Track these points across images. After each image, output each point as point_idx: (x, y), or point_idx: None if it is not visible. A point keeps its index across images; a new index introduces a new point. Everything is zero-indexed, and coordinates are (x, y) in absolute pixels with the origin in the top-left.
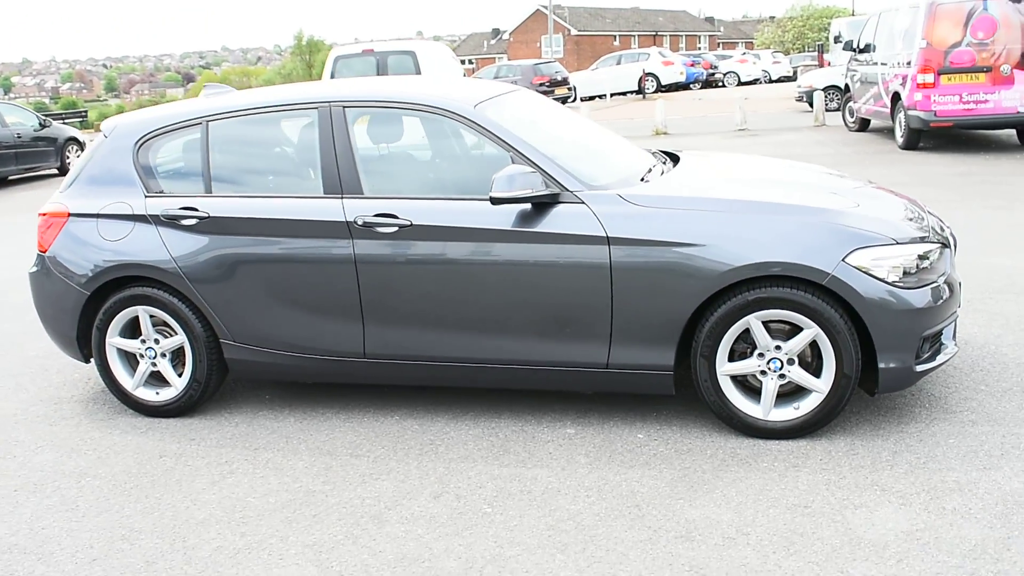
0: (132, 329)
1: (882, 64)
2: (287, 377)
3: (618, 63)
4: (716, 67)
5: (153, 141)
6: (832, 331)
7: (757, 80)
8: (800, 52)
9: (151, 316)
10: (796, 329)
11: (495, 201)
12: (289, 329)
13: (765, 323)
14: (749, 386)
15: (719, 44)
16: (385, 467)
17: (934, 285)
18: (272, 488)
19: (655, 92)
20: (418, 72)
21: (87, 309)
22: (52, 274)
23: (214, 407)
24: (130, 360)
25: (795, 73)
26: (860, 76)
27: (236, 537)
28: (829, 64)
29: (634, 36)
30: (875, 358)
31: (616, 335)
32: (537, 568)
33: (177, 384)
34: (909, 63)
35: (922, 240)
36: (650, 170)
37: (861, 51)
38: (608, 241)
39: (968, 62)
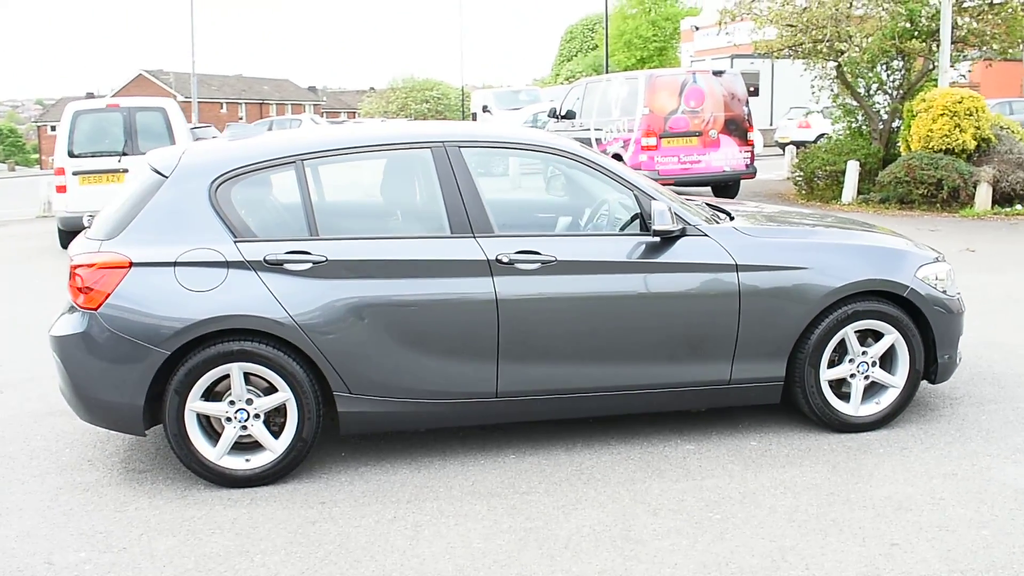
0: (208, 391)
1: (596, 129)
2: (405, 426)
3: (270, 128)
4: None
5: (234, 182)
6: (908, 335)
7: None
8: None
9: (245, 373)
10: (876, 336)
11: (658, 234)
12: (415, 374)
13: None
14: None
15: (323, 113)
16: (585, 495)
17: (960, 295)
18: (502, 528)
19: None
20: (169, 130)
21: (161, 372)
22: (110, 334)
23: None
24: (205, 426)
25: None
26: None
27: None
28: None
29: (241, 104)
30: (934, 355)
31: (739, 353)
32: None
33: (275, 447)
34: (631, 129)
35: (944, 259)
36: (715, 213)
37: (563, 117)
38: (736, 268)
39: (683, 127)
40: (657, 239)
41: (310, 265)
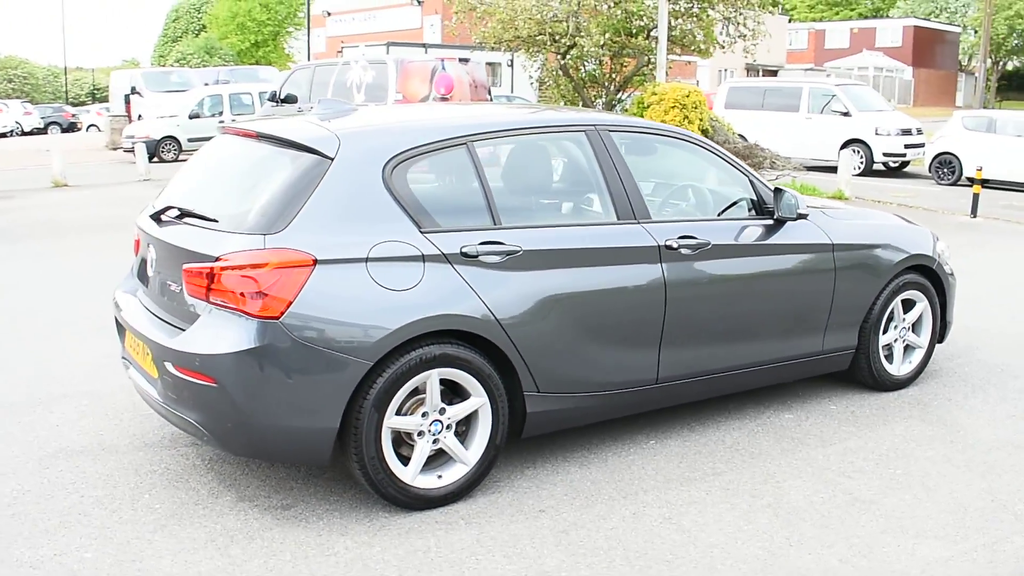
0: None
1: None
2: (577, 422)
3: None
4: None
5: (407, 164)
6: (932, 302)
7: (10, 132)
8: (52, 103)
9: (440, 380)
10: (906, 304)
11: (782, 219)
12: (593, 367)
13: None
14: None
15: None
16: (716, 483)
17: None
18: (739, 503)
19: None
20: None
21: (362, 385)
22: (297, 346)
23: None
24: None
25: (46, 126)
26: None
27: None
28: (140, 116)
29: None
30: (943, 318)
31: (830, 325)
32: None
33: (468, 459)
34: None
35: None
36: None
37: (284, 101)
38: (833, 248)
39: None
40: (773, 222)
41: (502, 257)
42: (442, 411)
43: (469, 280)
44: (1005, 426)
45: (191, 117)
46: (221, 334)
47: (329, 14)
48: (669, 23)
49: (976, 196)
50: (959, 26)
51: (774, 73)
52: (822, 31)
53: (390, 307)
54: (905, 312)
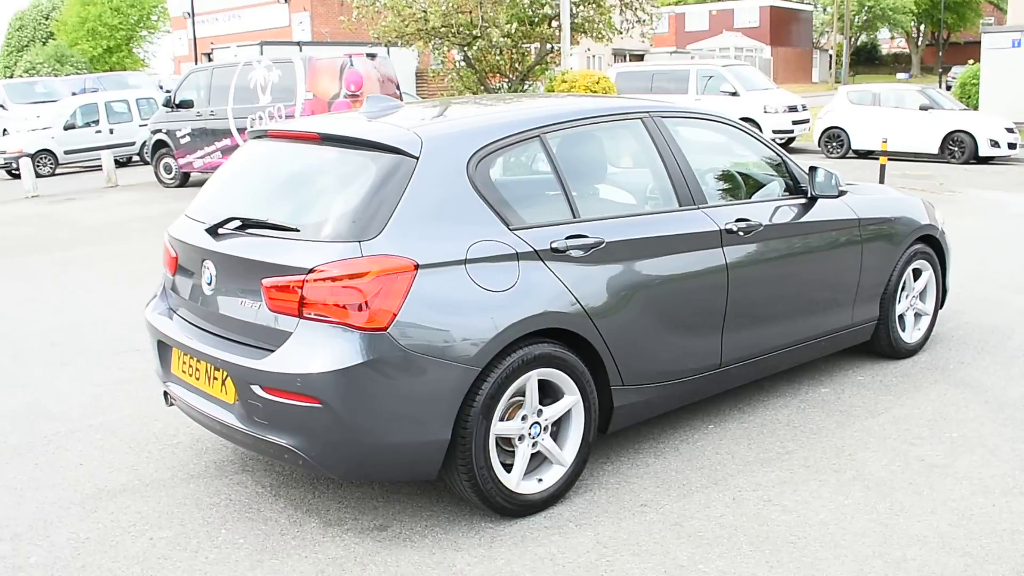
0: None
1: (236, 117)
2: (653, 413)
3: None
4: None
5: (488, 160)
6: (936, 270)
7: None
8: None
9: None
10: (914, 273)
11: (817, 197)
12: (667, 356)
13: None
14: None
15: None
16: (793, 462)
17: None
18: (825, 479)
19: None
20: None
21: (470, 392)
22: (407, 356)
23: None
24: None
25: None
26: (191, 131)
27: None
28: (5, 131)
29: None
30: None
31: (858, 298)
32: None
33: (564, 459)
34: (291, 115)
35: None
36: None
37: (179, 106)
38: (859, 223)
39: (347, 112)
40: (808, 200)
41: (587, 251)
42: (539, 413)
43: (561, 276)
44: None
45: (66, 128)
46: (322, 351)
47: (189, 15)
48: (571, 10)
49: (883, 167)
50: (812, 4)
51: (640, 58)
52: (682, 15)
53: (493, 309)
54: (914, 281)
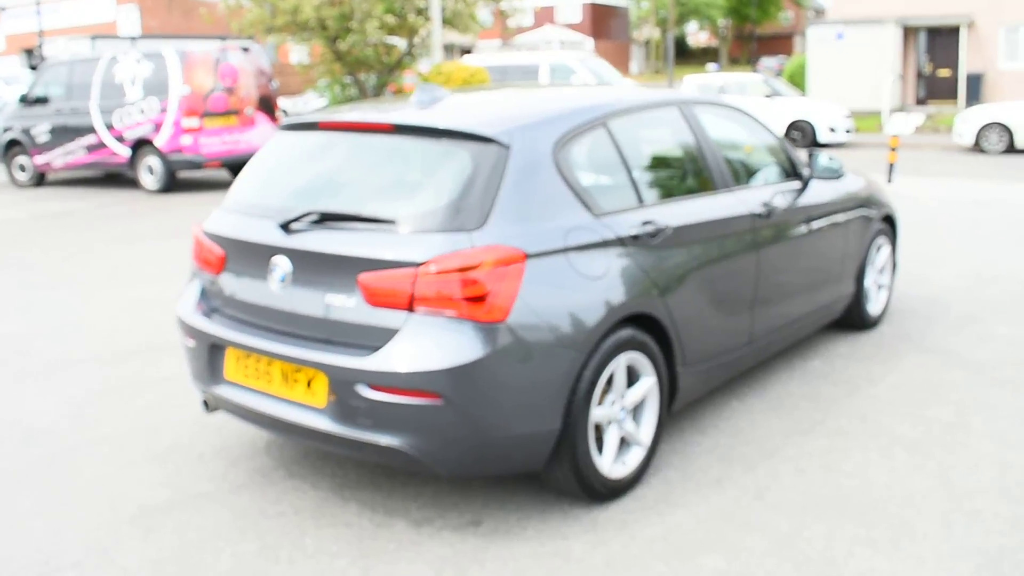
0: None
1: (103, 112)
2: (701, 393)
3: None
4: None
5: (568, 148)
6: (892, 241)
7: None
8: None
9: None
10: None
11: (821, 177)
12: (716, 335)
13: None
14: None
15: None
16: (829, 430)
17: None
18: (870, 456)
19: None
20: None
21: (579, 378)
22: (525, 346)
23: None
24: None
25: None
26: (50, 128)
27: None
28: None
29: None
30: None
31: (843, 274)
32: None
33: (644, 440)
34: (164, 109)
35: None
36: None
37: (36, 102)
38: (854, 203)
39: (223, 106)
40: (805, 183)
41: (656, 236)
42: (622, 396)
43: (640, 262)
44: (988, 348)
45: None
46: (441, 345)
47: (4, 9)
48: (443, 5)
49: None
50: None
51: (468, 51)
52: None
53: (593, 295)
54: (876, 256)
